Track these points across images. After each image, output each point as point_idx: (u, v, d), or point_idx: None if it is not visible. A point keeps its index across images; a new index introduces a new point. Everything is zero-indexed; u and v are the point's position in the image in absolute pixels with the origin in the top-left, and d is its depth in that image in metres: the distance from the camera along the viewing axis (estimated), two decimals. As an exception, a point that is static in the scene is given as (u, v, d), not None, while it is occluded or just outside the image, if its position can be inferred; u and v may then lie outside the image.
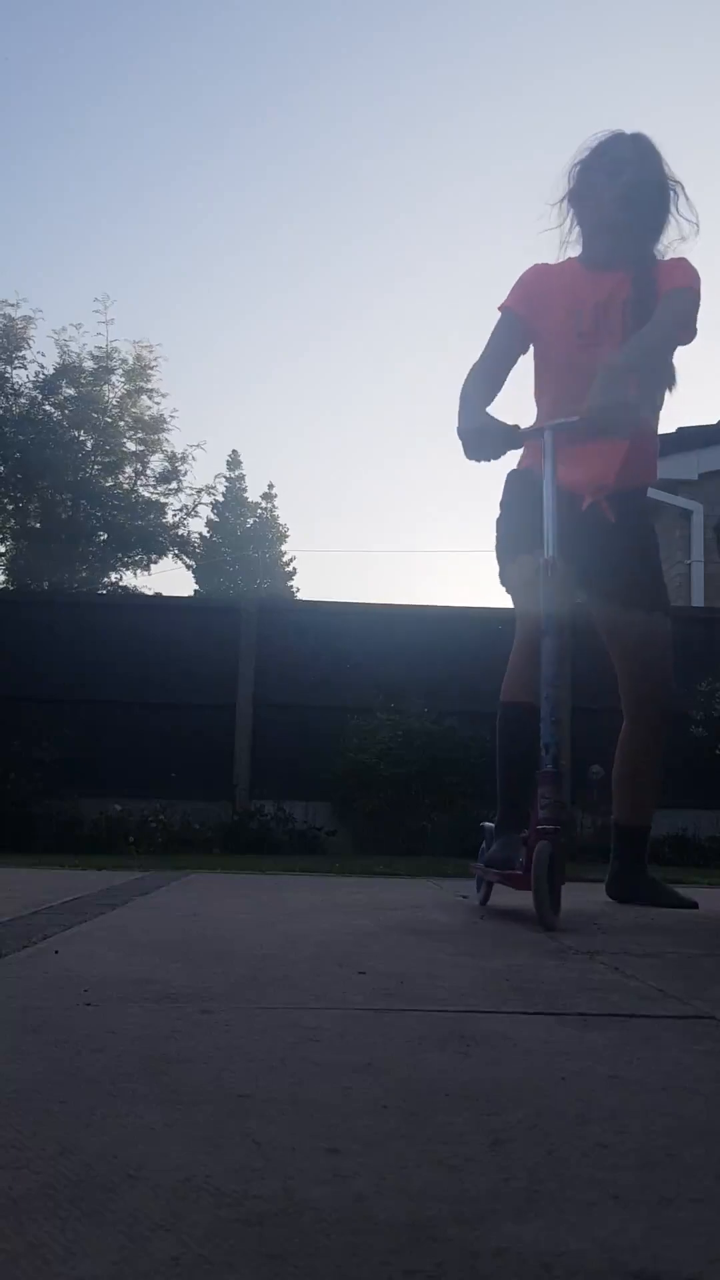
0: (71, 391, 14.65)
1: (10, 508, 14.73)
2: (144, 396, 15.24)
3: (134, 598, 11.87)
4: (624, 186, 2.70)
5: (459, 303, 47.34)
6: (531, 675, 2.73)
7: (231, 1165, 0.74)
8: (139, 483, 15.31)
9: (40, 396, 14.53)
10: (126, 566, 15.10)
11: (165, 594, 11.72)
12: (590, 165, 2.77)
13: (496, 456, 2.66)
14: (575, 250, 2.88)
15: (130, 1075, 0.98)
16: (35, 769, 6.79)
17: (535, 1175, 0.73)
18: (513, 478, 2.96)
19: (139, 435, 15.24)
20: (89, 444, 14.83)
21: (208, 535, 25.17)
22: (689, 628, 8.36)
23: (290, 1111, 0.88)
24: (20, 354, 14.55)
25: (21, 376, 14.56)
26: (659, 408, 2.82)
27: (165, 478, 15.37)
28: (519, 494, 2.88)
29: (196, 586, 23.03)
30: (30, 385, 14.54)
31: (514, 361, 2.89)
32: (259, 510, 31.56)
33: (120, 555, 14.93)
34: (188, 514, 15.65)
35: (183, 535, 15.58)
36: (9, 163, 38.08)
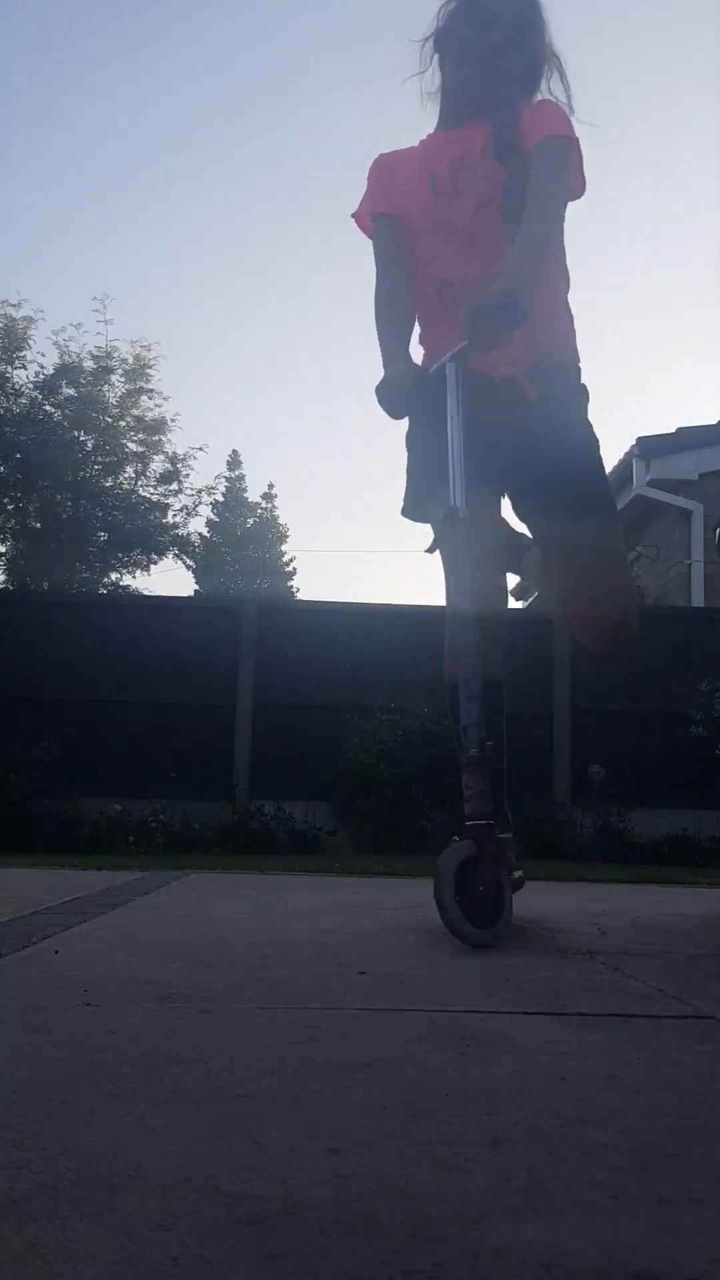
0: (71, 391, 14.66)
1: (10, 508, 14.74)
2: (144, 397, 15.25)
3: (134, 598, 11.87)
4: (492, 43, 2.36)
5: (459, 303, 47.21)
6: (490, 644, 2.46)
7: (231, 1165, 0.74)
8: (139, 483, 15.32)
9: (40, 396, 14.53)
10: (126, 566, 15.11)
11: (165, 594, 11.72)
12: (463, 9, 2.42)
13: (407, 413, 2.39)
14: (435, 104, 2.51)
15: (130, 1075, 0.98)
16: (35, 769, 6.79)
17: (535, 1175, 0.73)
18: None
19: (140, 436, 15.25)
20: (89, 444, 14.84)
21: (208, 535, 25.15)
22: (689, 628, 8.37)
23: (290, 1111, 0.88)
24: (20, 354, 14.56)
25: (22, 376, 14.58)
26: (566, 277, 2.45)
27: (166, 478, 15.39)
28: (431, 405, 2.36)
29: (196, 586, 23.03)
30: (30, 385, 14.55)
31: (411, 266, 2.46)
32: (259, 510, 31.57)
33: (120, 555, 14.94)
34: (188, 514, 15.67)
35: (183, 535, 15.59)
36: (8, 162, 38.10)
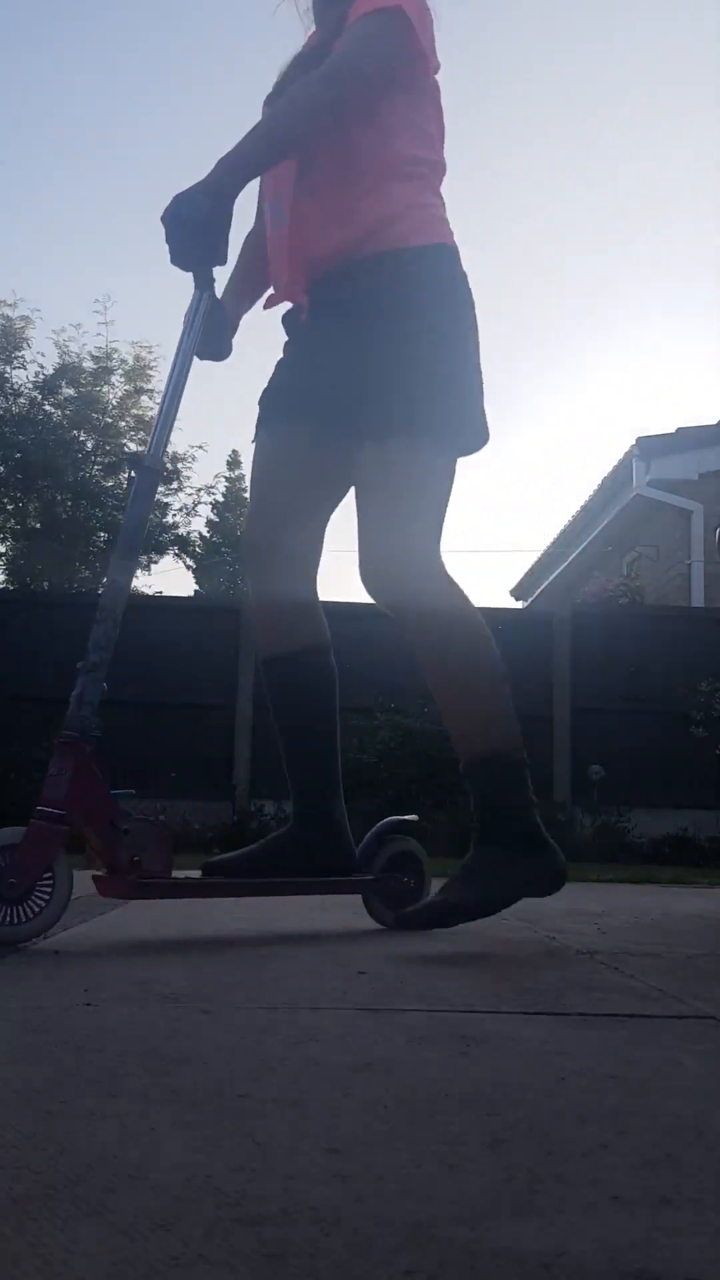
0: (71, 392, 14.66)
1: (10, 508, 14.74)
2: (144, 398, 15.25)
3: (134, 598, 11.85)
4: None
5: (459, 303, 47.23)
6: (292, 612, 2.18)
7: (231, 1165, 0.74)
8: (139, 483, 15.30)
9: (40, 396, 14.53)
10: (127, 566, 15.09)
11: (165, 594, 11.72)
12: None
13: (224, 353, 2.16)
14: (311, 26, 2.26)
15: (130, 1075, 0.98)
16: (35, 769, 6.78)
17: (535, 1175, 0.73)
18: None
19: (140, 436, 15.25)
20: (89, 444, 14.84)
21: (208, 535, 25.16)
22: (689, 628, 8.37)
23: (290, 1111, 0.88)
24: (19, 354, 14.57)
25: (21, 376, 14.58)
26: (407, 157, 2.04)
27: (166, 478, 15.38)
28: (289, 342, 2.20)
29: (196, 586, 23.03)
30: (30, 385, 14.56)
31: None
32: (259, 510, 31.54)
33: (120, 555, 14.92)
34: (188, 514, 15.67)
35: (183, 535, 15.59)
36: (8, 162, 38.10)
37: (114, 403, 15.05)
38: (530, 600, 17.20)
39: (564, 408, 46.92)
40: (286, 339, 2.21)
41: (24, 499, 14.62)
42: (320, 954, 1.83)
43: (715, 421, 11.53)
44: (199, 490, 15.92)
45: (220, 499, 25.44)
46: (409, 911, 2.00)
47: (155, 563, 15.17)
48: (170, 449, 15.37)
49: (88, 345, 15.27)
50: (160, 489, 15.44)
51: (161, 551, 15.13)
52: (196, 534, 16.90)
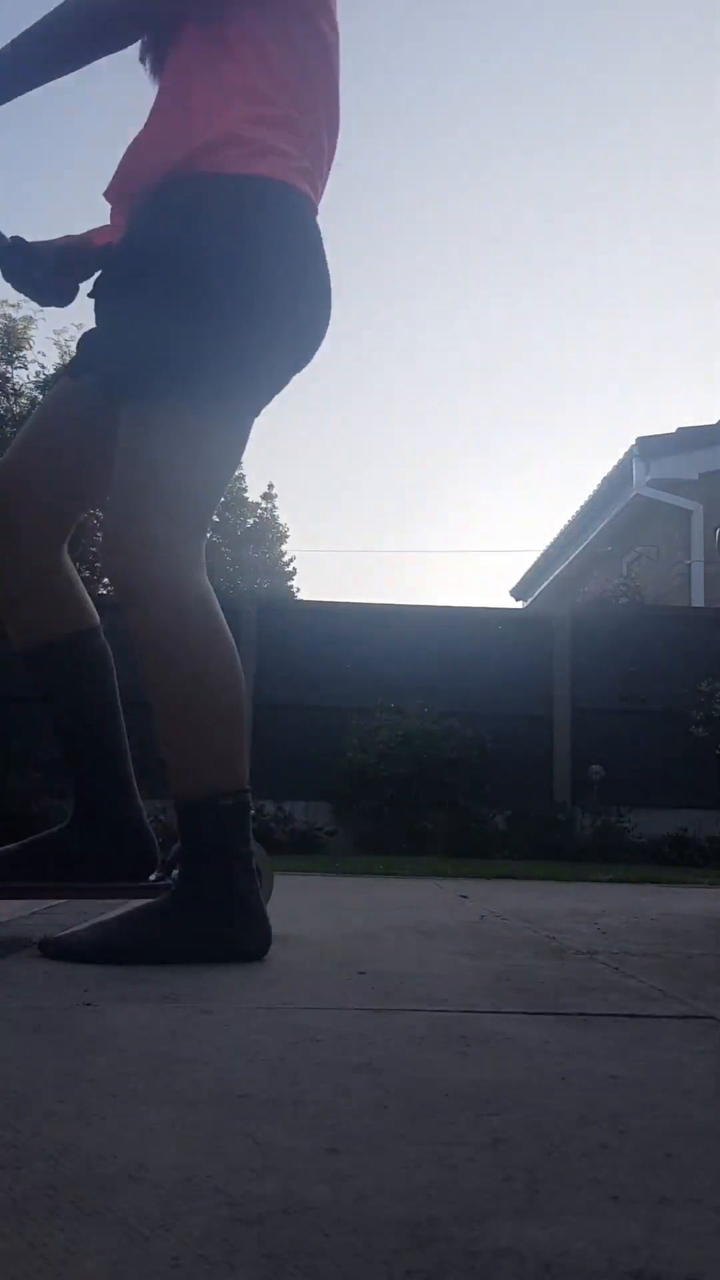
0: (72, 391, 14.67)
1: (10, 507, 14.74)
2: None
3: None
4: None
5: (459, 301, 47.36)
6: (57, 588, 1.96)
7: (231, 1165, 0.74)
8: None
9: (41, 396, 14.54)
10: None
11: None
12: None
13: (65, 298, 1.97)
14: None
15: (130, 1075, 0.98)
16: (35, 769, 6.79)
17: (535, 1175, 0.73)
18: None
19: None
20: (89, 444, 14.85)
21: (208, 535, 25.17)
22: (689, 628, 8.37)
23: (290, 1111, 0.88)
24: (20, 354, 14.58)
25: (22, 376, 14.59)
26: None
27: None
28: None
29: (196, 586, 23.03)
30: (31, 385, 14.56)
31: None
32: (259, 510, 31.58)
33: (120, 555, 14.95)
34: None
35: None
36: (8, 162, 38.11)
37: (114, 403, 15.07)
38: (530, 600, 17.20)
39: (564, 407, 46.90)
40: None
41: (24, 499, 14.63)
42: (320, 954, 1.83)
43: (715, 421, 11.53)
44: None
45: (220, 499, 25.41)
46: (54, 938, 1.72)
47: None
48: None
49: (88, 345, 15.27)
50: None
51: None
52: (196, 534, 16.90)
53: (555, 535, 15.35)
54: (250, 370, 1.76)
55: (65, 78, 1.77)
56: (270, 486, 38.07)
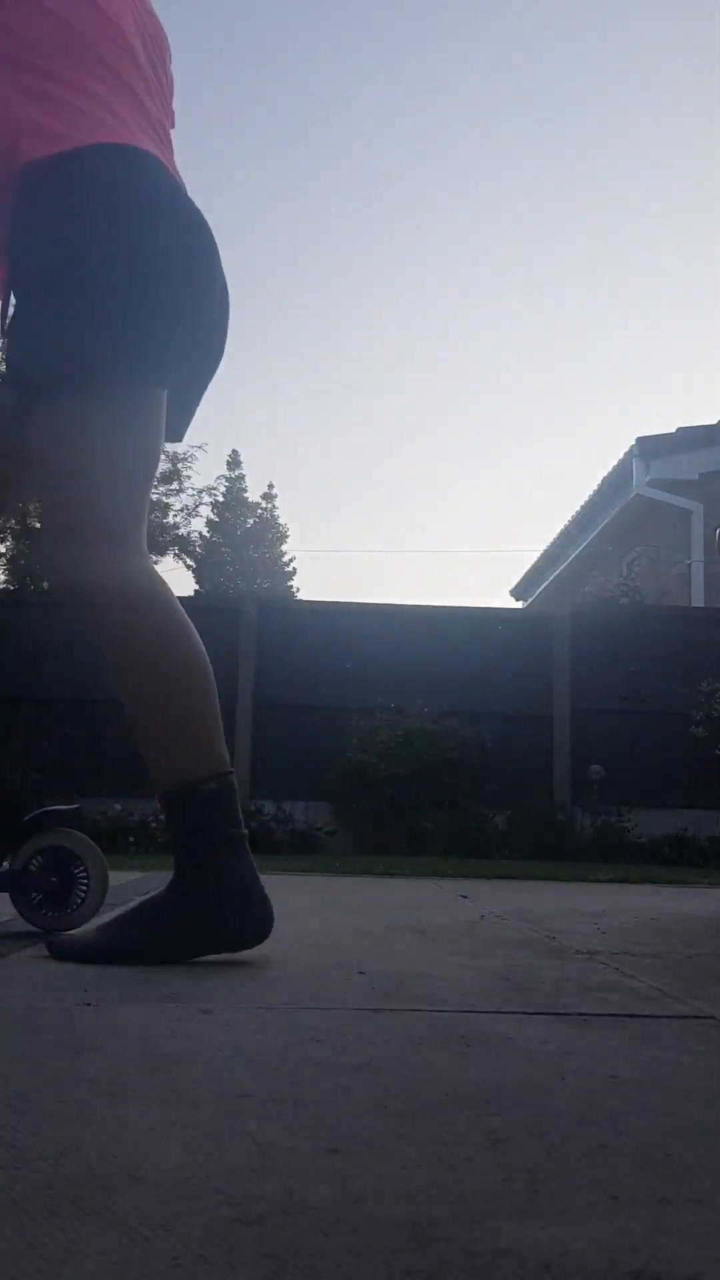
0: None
1: (10, 507, 14.74)
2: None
3: (134, 598, 11.85)
4: None
5: (460, 302, 47.39)
6: None
7: (231, 1165, 0.74)
8: (139, 483, 15.32)
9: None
10: (127, 566, 15.11)
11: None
12: None
13: None
14: None
15: (130, 1075, 0.98)
16: (35, 769, 6.79)
17: (535, 1175, 0.73)
18: None
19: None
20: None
21: (208, 535, 25.19)
22: (689, 628, 8.37)
23: (290, 1111, 0.88)
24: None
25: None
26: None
27: (166, 478, 15.39)
28: None
29: (196, 586, 23.04)
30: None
31: None
32: (259, 510, 31.58)
33: (120, 555, 14.95)
34: (189, 514, 15.68)
35: (183, 535, 15.60)
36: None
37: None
38: (530, 600, 17.20)
39: (564, 407, 46.88)
40: None
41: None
42: (320, 954, 1.83)
43: (715, 421, 11.53)
44: (200, 492, 15.94)
45: (220, 499, 25.46)
46: (58, 939, 1.72)
47: (156, 563, 15.18)
48: (170, 449, 15.40)
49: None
50: (161, 489, 15.48)
51: (162, 552, 15.13)
52: (196, 534, 16.90)
53: (555, 535, 15.34)
54: (140, 336, 1.68)
55: None
56: (270, 486, 38.09)
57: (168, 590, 1.73)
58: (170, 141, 1.86)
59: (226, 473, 29.36)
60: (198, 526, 17.17)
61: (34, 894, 1.98)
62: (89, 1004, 1.31)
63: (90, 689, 7.52)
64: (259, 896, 1.70)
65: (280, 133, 46.37)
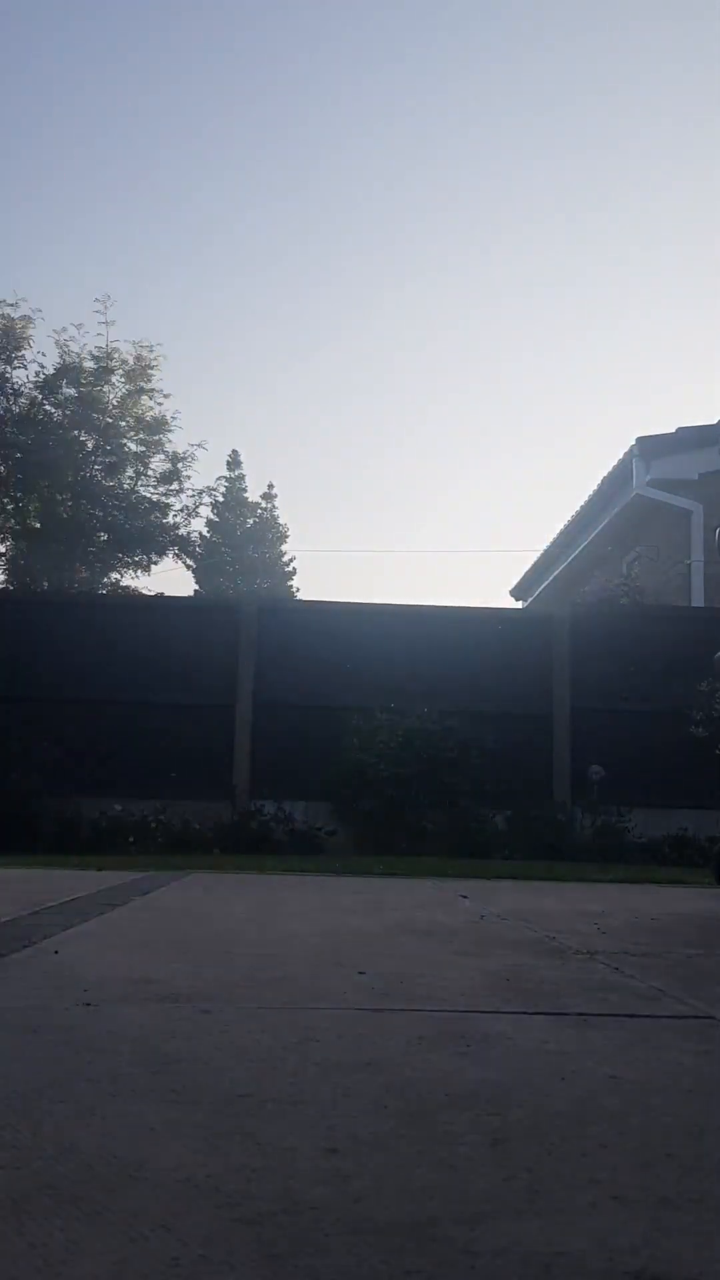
0: (72, 391, 14.63)
1: (10, 508, 14.72)
2: (145, 397, 15.23)
3: (134, 598, 11.85)
4: None
5: (461, 303, 47.30)
6: None
7: (231, 1165, 0.74)
8: (140, 483, 15.30)
9: (40, 396, 14.51)
10: (127, 567, 15.10)
11: (165, 594, 11.71)
12: None
13: None
14: None
15: (130, 1075, 0.98)
16: (35, 769, 6.78)
17: (535, 1175, 0.73)
18: None
19: (140, 436, 15.24)
20: (90, 444, 14.83)
21: (208, 535, 25.16)
22: (689, 628, 8.36)
23: (290, 1111, 0.88)
24: (19, 354, 14.55)
25: (21, 376, 14.55)
26: None
27: (166, 478, 15.37)
28: None
29: (196, 586, 23.03)
30: (30, 385, 14.54)
31: None
32: (259, 510, 31.54)
33: (120, 555, 14.93)
34: (188, 514, 15.65)
35: (183, 535, 15.57)
36: (8, 162, 38.01)
37: (114, 403, 15.02)
38: (530, 600, 17.19)
39: (564, 407, 46.86)
40: None
41: (24, 499, 14.61)
42: (320, 954, 1.83)
43: (715, 421, 11.52)
44: (200, 492, 15.90)
45: (220, 499, 25.46)
46: None
47: (155, 563, 15.16)
48: (170, 449, 15.36)
49: (88, 345, 15.24)
50: (161, 489, 15.47)
51: (161, 552, 15.11)
52: (196, 534, 16.88)
53: (555, 535, 15.33)
54: None
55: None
56: (270, 486, 38.01)
57: None
58: None
59: (226, 473, 29.33)
60: (198, 526, 17.13)
61: None
62: (89, 1004, 1.31)
63: (90, 689, 7.52)
64: None
65: (280, 133, 46.31)
